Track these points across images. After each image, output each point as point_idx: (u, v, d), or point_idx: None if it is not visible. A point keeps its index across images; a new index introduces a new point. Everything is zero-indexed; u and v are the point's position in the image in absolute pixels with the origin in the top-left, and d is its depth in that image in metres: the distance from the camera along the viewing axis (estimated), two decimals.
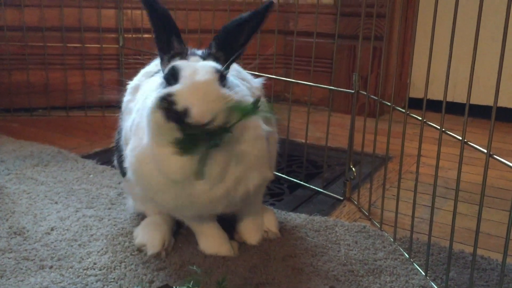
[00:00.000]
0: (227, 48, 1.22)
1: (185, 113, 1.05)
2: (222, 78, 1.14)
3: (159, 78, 1.23)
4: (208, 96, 1.07)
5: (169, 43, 1.22)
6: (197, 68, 1.12)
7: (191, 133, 1.07)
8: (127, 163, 1.28)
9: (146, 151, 1.19)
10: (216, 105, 1.07)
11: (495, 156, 1.03)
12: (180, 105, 1.06)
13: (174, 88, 1.09)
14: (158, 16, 1.21)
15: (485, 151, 1.05)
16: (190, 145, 1.09)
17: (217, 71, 1.13)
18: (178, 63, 1.15)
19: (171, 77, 1.13)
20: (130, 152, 1.26)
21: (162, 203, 1.26)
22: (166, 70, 1.16)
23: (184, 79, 1.10)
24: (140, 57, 2.75)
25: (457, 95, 3.09)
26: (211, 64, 1.15)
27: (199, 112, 1.05)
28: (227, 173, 1.18)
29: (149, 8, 1.21)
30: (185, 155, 1.10)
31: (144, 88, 1.35)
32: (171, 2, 2.66)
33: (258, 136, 1.22)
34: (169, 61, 1.19)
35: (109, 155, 2.16)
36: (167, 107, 1.07)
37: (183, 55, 1.20)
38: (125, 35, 2.97)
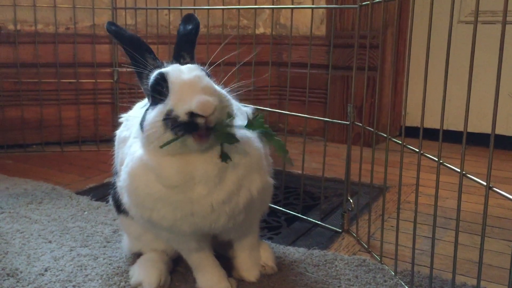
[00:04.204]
0: (193, 58, 1.30)
1: (192, 115, 1.05)
2: (208, 76, 1.16)
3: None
4: (204, 90, 1.08)
5: (145, 61, 1.25)
6: (182, 69, 1.14)
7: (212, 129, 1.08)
8: (121, 182, 1.25)
9: (141, 162, 1.16)
10: (213, 96, 1.08)
11: (494, 189, 1.02)
12: (183, 114, 1.06)
13: (170, 102, 1.09)
14: (128, 41, 1.27)
15: (485, 183, 1.04)
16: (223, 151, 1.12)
17: (202, 69, 1.16)
18: (162, 69, 1.17)
19: (159, 84, 1.13)
20: (123, 168, 1.23)
21: (161, 220, 1.18)
22: (152, 78, 1.17)
23: (173, 85, 1.11)
24: (134, 91, 2.76)
25: (450, 123, 3.11)
26: (195, 64, 1.19)
27: (201, 106, 1.05)
28: (226, 176, 1.15)
29: (117, 36, 1.29)
30: (227, 160, 1.12)
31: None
32: (166, 37, 2.69)
33: (252, 141, 1.23)
34: (148, 75, 1.21)
35: (103, 191, 2.14)
36: (172, 124, 1.07)
37: (161, 67, 1.21)
38: (120, 70, 2.98)
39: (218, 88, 1.14)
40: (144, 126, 1.15)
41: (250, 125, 1.16)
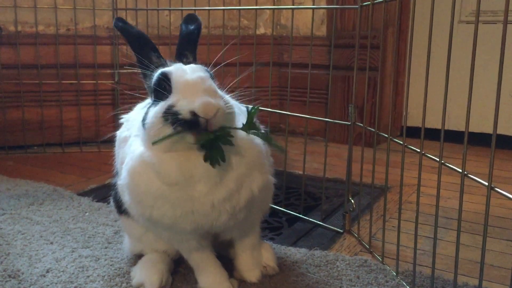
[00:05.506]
0: (196, 57, 1.31)
1: (194, 115, 1.06)
2: (211, 77, 1.17)
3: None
4: (207, 91, 1.09)
5: (149, 59, 1.26)
6: (186, 69, 1.15)
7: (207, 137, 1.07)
8: (121, 180, 1.25)
9: (141, 160, 1.16)
10: (215, 98, 1.09)
11: (496, 189, 1.02)
12: (186, 112, 1.07)
13: (171, 99, 1.10)
14: (134, 38, 1.28)
15: (486, 184, 1.03)
16: (215, 152, 1.09)
17: (206, 70, 1.17)
18: (165, 68, 1.17)
19: (161, 83, 1.14)
20: (124, 166, 1.23)
21: (161, 217, 1.18)
22: (155, 77, 1.17)
23: (177, 84, 1.11)
24: (135, 92, 2.76)
25: (452, 123, 3.11)
26: (198, 65, 1.19)
27: (203, 108, 1.05)
28: (226, 174, 1.15)
29: (124, 32, 1.29)
30: (215, 164, 1.10)
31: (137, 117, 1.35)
32: (167, 37, 2.69)
33: (253, 139, 1.23)
34: (151, 74, 1.22)
35: (105, 192, 2.14)
36: (173, 120, 1.08)
37: (165, 66, 1.22)
38: (120, 71, 2.98)
39: (219, 91, 1.15)
40: (145, 122, 1.15)
41: (246, 128, 1.16)
